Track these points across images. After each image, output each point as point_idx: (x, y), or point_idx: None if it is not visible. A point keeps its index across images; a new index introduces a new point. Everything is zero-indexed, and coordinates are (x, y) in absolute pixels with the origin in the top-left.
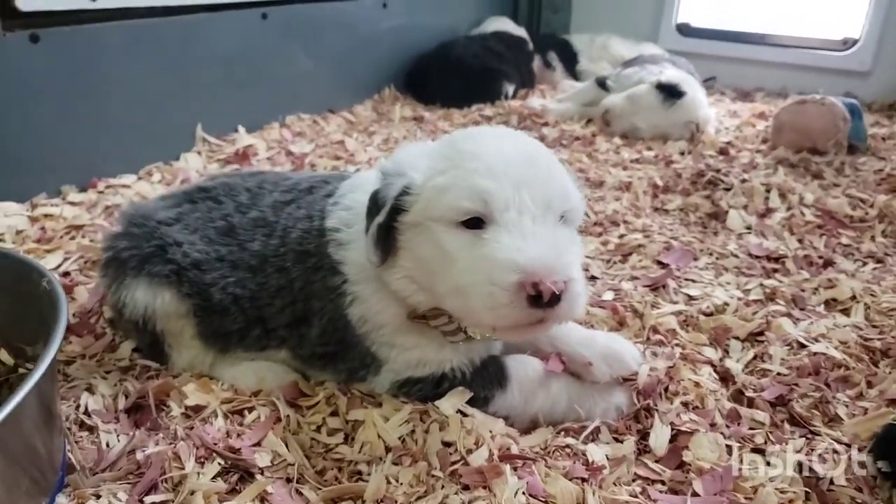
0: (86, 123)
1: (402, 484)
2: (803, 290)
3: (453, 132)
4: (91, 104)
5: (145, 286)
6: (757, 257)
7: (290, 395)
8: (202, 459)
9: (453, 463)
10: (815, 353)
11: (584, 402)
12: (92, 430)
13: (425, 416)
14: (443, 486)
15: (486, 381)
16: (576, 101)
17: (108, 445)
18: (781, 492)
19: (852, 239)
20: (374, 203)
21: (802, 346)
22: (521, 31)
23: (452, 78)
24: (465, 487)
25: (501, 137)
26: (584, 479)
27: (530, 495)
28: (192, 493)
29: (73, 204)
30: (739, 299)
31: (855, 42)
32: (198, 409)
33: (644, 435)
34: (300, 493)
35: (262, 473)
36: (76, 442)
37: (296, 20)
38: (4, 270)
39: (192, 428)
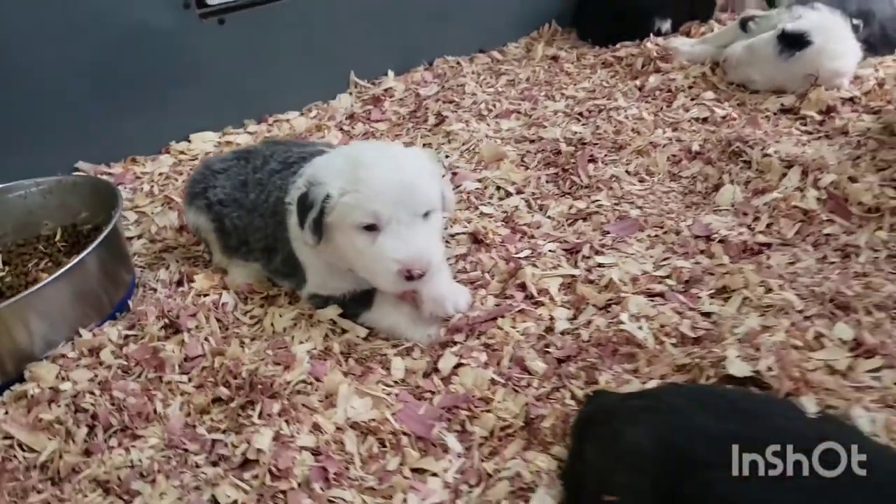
0: (264, 75)
1: (251, 351)
2: (711, 274)
3: (356, 150)
4: (267, 60)
5: (194, 211)
6: (697, 237)
7: (247, 291)
8: (159, 317)
9: (279, 348)
10: (622, 330)
11: (412, 327)
12: (155, 290)
13: (310, 318)
14: (266, 362)
15: (357, 303)
16: (714, 42)
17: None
18: (504, 420)
19: (844, 229)
20: (304, 203)
21: (622, 322)
22: None
23: (604, 16)
24: (276, 363)
25: (387, 164)
26: (357, 376)
27: (315, 378)
28: (146, 335)
29: (249, 133)
30: (644, 273)
31: None
32: (191, 290)
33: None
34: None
35: (188, 332)
36: (143, 296)
37: None
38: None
39: (170, 298)
